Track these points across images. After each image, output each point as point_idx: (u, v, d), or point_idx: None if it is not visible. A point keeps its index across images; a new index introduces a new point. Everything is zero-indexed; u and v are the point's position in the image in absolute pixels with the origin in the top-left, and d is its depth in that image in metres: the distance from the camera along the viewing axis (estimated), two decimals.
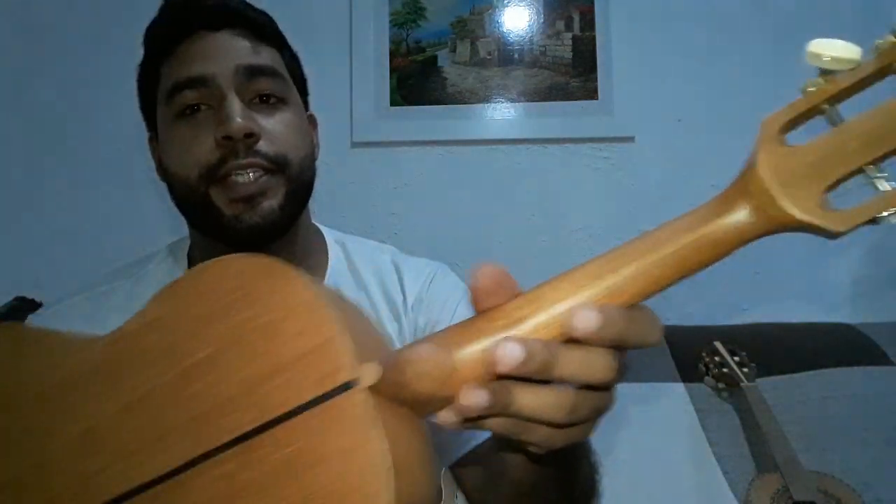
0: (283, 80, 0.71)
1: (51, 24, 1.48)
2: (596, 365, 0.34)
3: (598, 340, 0.33)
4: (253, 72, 0.67)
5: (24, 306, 1.18)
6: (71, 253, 1.40)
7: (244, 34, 0.69)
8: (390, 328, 0.74)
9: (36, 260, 1.41)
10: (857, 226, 0.33)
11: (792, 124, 0.37)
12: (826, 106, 0.36)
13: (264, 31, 0.71)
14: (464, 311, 0.72)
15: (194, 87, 0.66)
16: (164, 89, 0.68)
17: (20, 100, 1.47)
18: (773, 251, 1.36)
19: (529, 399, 0.33)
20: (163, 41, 0.69)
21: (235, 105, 0.65)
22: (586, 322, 0.32)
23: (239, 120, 0.64)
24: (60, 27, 1.47)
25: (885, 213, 0.33)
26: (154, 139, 0.74)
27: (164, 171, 0.72)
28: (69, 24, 1.47)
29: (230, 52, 0.67)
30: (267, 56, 0.70)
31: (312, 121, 0.79)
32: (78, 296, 0.74)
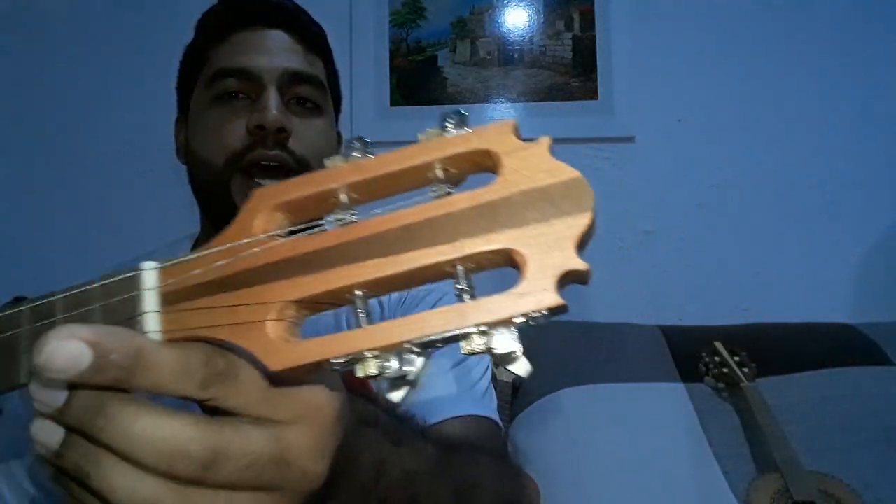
0: (324, 91, 0.73)
1: (49, 25, 1.48)
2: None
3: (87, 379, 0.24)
4: (298, 77, 0.69)
5: None
6: (71, 253, 1.39)
7: (297, 39, 0.71)
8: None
9: (36, 260, 1.41)
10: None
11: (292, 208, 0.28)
12: (339, 200, 0.27)
13: (316, 40, 0.73)
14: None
15: (239, 77, 0.67)
16: (208, 73, 0.70)
17: (19, 101, 1.47)
18: (774, 251, 1.36)
19: (126, 420, 0.24)
20: (218, 27, 0.71)
21: (274, 99, 0.66)
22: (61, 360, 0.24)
23: (275, 112, 0.65)
24: (59, 28, 1.47)
25: (334, 360, 0.25)
26: (181, 121, 0.75)
27: (187, 154, 0.72)
28: (68, 25, 1.47)
29: (281, 52, 0.69)
30: (314, 65, 0.72)
31: (339, 137, 0.81)
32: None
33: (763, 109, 1.41)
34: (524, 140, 0.25)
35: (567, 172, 0.25)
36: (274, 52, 0.68)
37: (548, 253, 0.23)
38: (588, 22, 1.43)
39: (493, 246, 0.24)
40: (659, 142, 1.42)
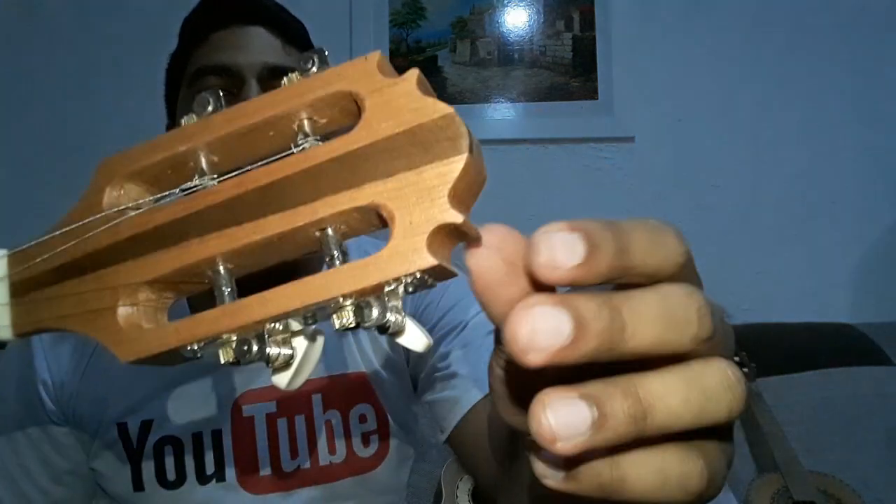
0: None
1: (51, 23, 1.48)
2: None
3: (582, 278, 0.19)
4: (278, 71, 0.69)
5: None
6: None
7: (276, 34, 0.71)
8: None
9: None
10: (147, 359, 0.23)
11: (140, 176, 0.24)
12: (198, 165, 0.23)
13: (296, 34, 0.73)
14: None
15: (219, 74, 0.68)
16: (189, 73, 0.70)
17: (21, 100, 1.47)
18: (774, 251, 1.36)
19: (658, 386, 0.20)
20: (197, 30, 0.71)
21: (255, 92, 0.66)
22: (555, 251, 0.18)
23: None
24: (61, 26, 1.47)
25: (190, 346, 0.22)
26: (170, 127, 0.76)
27: None
28: (71, 23, 1.47)
29: (260, 47, 0.69)
30: (293, 57, 0.71)
31: None
32: None
33: (763, 109, 1.41)
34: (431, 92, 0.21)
35: (438, 110, 0.19)
36: (253, 47, 0.69)
37: (417, 206, 0.20)
38: (588, 22, 1.43)
39: (357, 203, 0.21)
40: (659, 142, 1.42)
